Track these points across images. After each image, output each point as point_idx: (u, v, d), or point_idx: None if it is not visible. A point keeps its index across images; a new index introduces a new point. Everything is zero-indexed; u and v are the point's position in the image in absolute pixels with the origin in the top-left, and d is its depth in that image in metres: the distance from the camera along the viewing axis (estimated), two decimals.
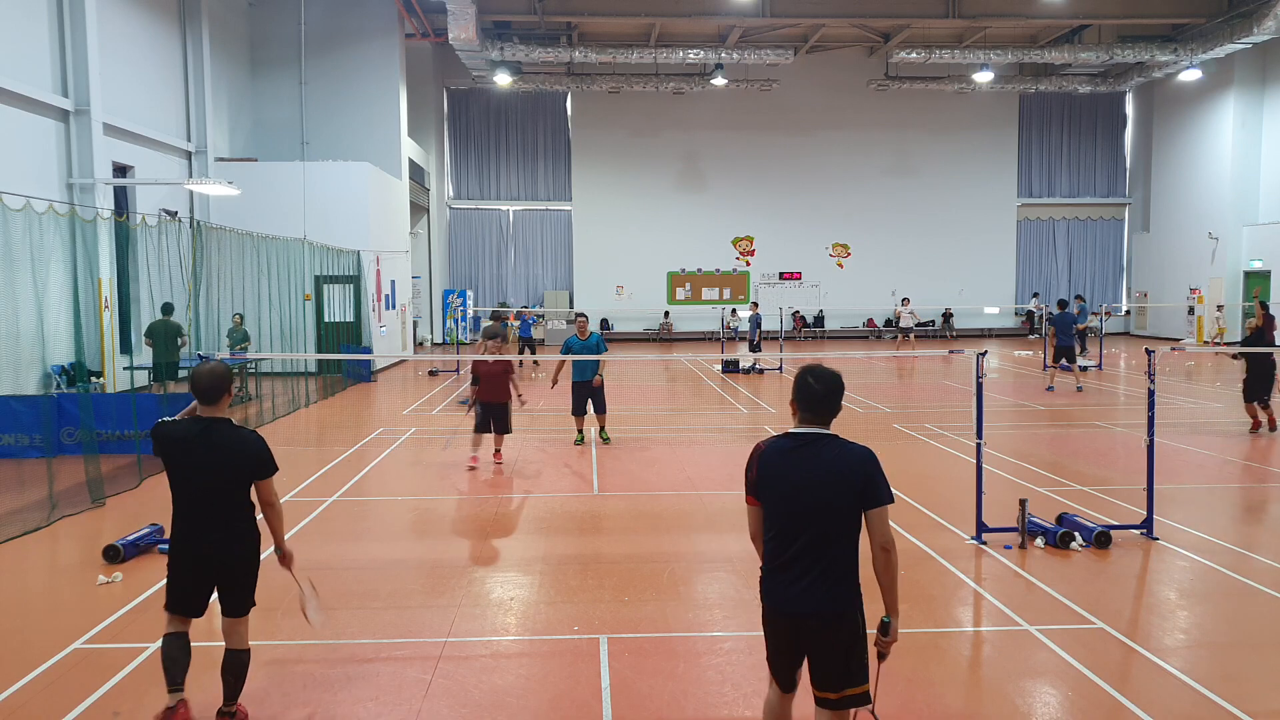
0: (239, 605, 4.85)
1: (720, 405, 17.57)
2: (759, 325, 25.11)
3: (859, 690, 3.73)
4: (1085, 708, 5.08)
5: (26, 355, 11.95)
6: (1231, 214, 29.76)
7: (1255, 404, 13.43)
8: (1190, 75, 29.01)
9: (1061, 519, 8.25)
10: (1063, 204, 35.66)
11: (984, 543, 8.03)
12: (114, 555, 7.59)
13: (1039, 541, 7.98)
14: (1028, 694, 5.31)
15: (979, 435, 8.19)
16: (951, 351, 11.63)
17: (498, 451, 11.50)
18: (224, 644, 4.83)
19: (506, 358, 11.48)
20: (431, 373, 23.12)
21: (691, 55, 27.04)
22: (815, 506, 3.63)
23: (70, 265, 10.73)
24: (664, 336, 33.92)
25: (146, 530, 8.02)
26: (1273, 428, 13.33)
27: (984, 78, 29.65)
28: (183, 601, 4.82)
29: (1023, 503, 8.01)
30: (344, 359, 20.23)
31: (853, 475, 3.62)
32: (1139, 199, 35.17)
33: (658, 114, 33.67)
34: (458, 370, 23.32)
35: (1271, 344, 13.64)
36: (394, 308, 25.20)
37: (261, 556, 4.96)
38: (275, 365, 19.41)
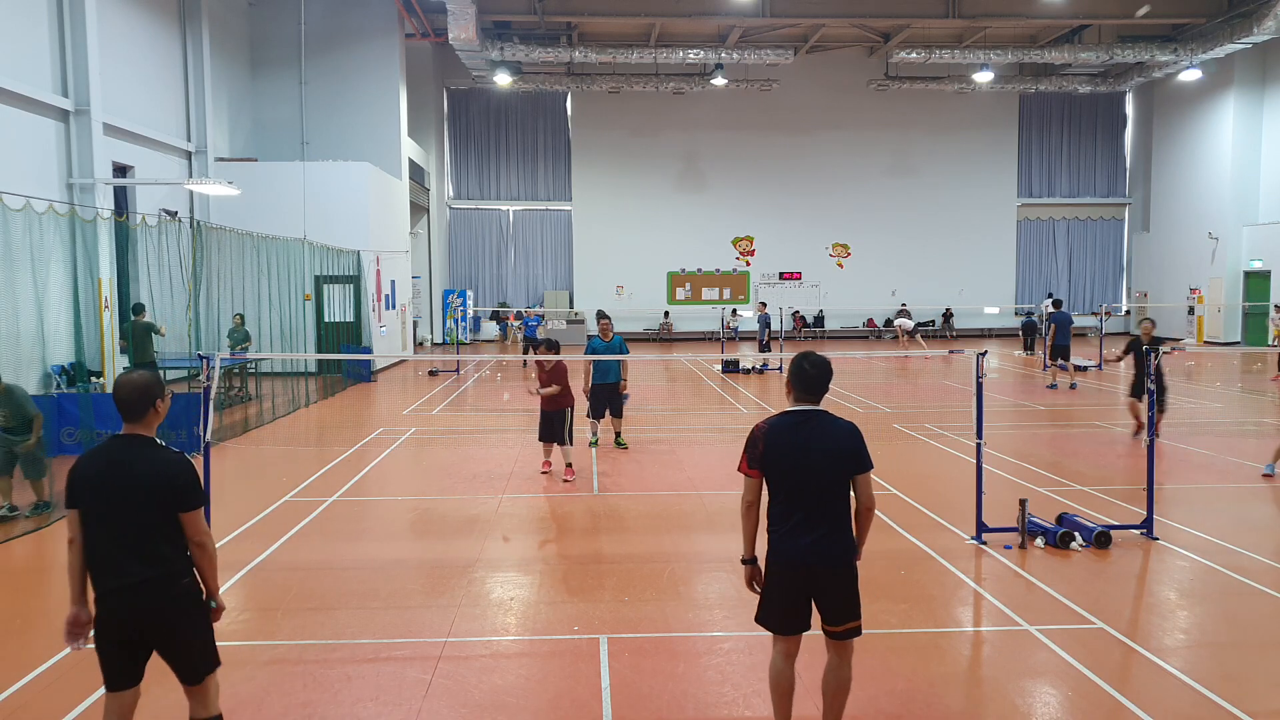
0: (192, 669, 3.99)
1: (720, 405, 17.57)
2: (768, 325, 25.13)
3: (857, 623, 4.46)
4: (1085, 708, 5.08)
5: (26, 355, 11.94)
6: (1231, 214, 29.76)
7: None
8: (1190, 75, 29.02)
9: (1061, 519, 8.25)
10: (1063, 204, 35.67)
11: (984, 543, 8.03)
12: None
13: (1039, 541, 7.97)
14: (1028, 694, 5.31)
15: (979, 435, 8.19)
16: (951, 351, 11.59)
17: (569, 466, 10.73)
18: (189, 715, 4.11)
19: (558, 357, 10.79)
20: (431, 373, 23.11)
21: (691, 55, 27.04)
22: (819, 472, 4.29)
23: (70, 265, 10.74)
24: (664, 336, 33.92)
25: None
26: None
27: (984, 78, 29.65)
28: (117, 675, 3.99)
29: (1023, 503, 8.01)
30: (344, 359, 20.23)
31: (845, 445, 4.31)
32: (1139, 199, 35.18)
33: (658, 114, 33.67)
34: (458, 370, 23.33)
35: None
36: (394, 308, 25.20)
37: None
38: (275, 365, 19.41)
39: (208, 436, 8.14)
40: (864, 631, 6.22)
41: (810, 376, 4.38)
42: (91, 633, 4.07)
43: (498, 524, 8.94)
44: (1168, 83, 31.92)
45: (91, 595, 4.01)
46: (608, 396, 12.32)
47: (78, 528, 3.87)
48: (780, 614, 4.53)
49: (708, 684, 5.41)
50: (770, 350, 24.12)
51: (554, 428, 10.67)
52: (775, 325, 26.64)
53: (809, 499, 4.33)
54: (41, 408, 11.63)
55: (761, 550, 4.65)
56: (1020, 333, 28.56)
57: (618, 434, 12.72)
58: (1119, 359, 14.46)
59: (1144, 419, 12.33)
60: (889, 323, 35.15)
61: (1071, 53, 27.10)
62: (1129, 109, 35.51)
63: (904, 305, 31.83)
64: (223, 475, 10.96)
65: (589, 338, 12.62)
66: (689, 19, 25.50)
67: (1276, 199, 28.73)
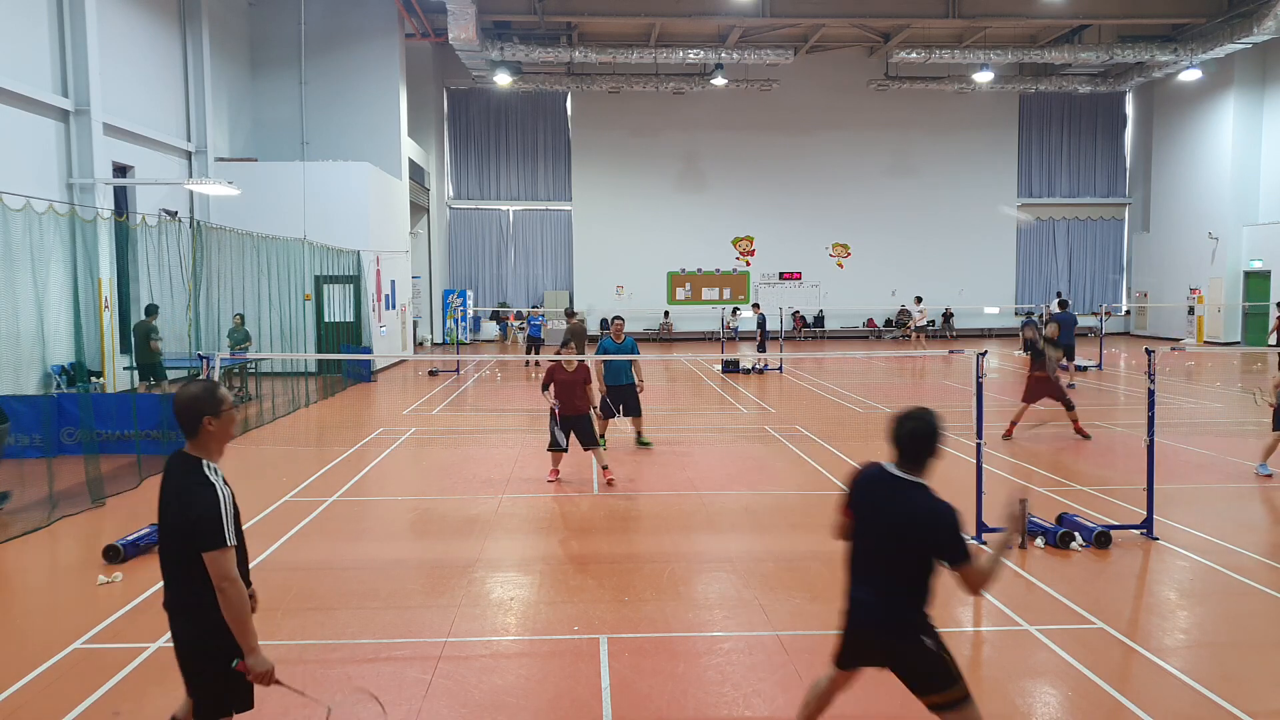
0: (195, 706, 3.68)
1: (720, 405, 17.56)
2: (764, 325, 25.13)
3: (942, 697, 3.99)
4: (1085, 708, 5.08)
5: (26, 355, 11.95)
6: (1231, 214, 29.75)
7: None
8: (1190, 75, 29.02)
9: (1061, 519, 8.25)
10: (1063, 204, 35.66)
11: (984, 543, 8.03)
12: (114, 555, 7.60)
13: (1039, 541, 7.98)
14: (1028, 694, 5.32)
15: (979, 435, 8.19)
16: (951, 351, 11.61)
17: (605, 469, 10.44)
18: None
19: (579, 357, 10.59)
20: (431, 373, 23.11)
21: (691, 55, 27.04)
22: (889, 546, 3.94)
23: (70, 265, 10.73)
24: (664, 336, 33.93)
25: (147, 530, 8.02)
26: None
27: (984, 78, 29.65)
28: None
29: (1022, 503, 7.98)
30: (344, 359, 20.22)
31: (926, 532, 3.88)
32: (1139, 199, 35.17)
33: (658, 114, 33.67)
34: (457, 370, 23.33)
35: None
36: (394, 308, 25.20)
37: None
38: (275, 365, 19.40)
39: None
40: None
41: (901, 437, 4.01)
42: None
43: (498, 524, 8.94)
44: (1168, 83, 31.92)
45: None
46: (622, 397, 12.31)
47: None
48: (838, 647, 4.22)
49: (708, 684, 5.41)
50: (767, 350, 24.09)
51: (582, 433, 10.34)
52: (775, 325, 26.65)
53: (873, 560, 4.02)
54: (41, 408, 11.68)
55: None
56: (1020, 333, 28.53)
57: (639, 433, 12.77)
58: None
59: None
60: (889, 322, 35.14)
61: (1071, 53, 27.10)
62: (1129, 109, 35.50)
63: (920, 299, 31.74)
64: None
65: (602, 336, 12.64)
66: (689, 19, 25.50)
67: (1276, 199, 28.73)
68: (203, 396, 3.60)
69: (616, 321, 12.89)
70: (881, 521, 3.92)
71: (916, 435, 3.96)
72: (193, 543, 3.45)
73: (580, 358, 10.61)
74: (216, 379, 8.08)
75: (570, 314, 18.01)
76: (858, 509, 4.05)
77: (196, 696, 3.65)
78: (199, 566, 3.47)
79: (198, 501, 3.48)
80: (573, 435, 10.35)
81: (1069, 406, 13.08)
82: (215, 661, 3.57)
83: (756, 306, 26.24)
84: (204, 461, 3.61)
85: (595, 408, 10.71)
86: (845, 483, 4.12)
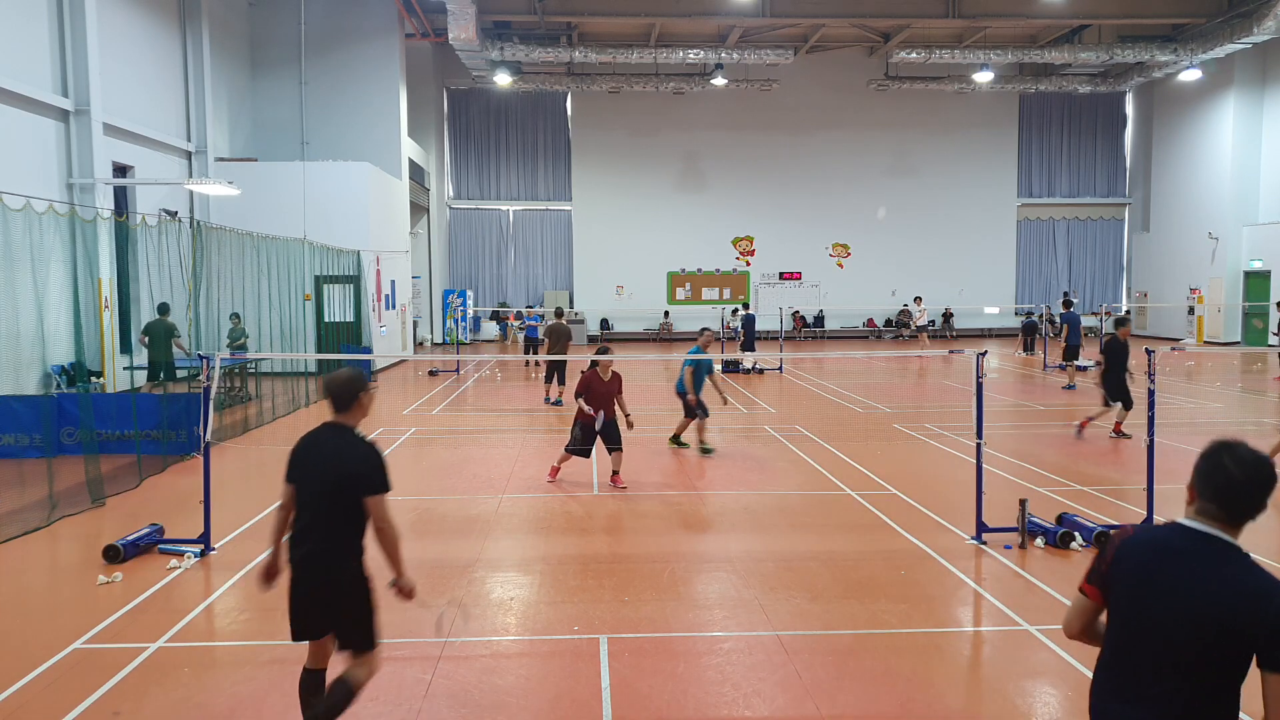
0: (348, 641, 4.31)
1: (720, 405, 17.54)
2: (750, 325, 25.06)
3: None
4: (1085, 708, 5.08)
5: (26, 355, 11.94)
6: (1231, 214, 29.76)
7: None
8: (1190, 75, 29.02)
9: (1061, 519, 8.25)
10: (1063, 204, 35.66)
11: (984, 543, 8.03)
12: (114, 555, 7.59)
13: (1039, 541, 7.98)
14: (1028, 694, 5.32)
15: (979, 435, 8.19)
16: (951, 351, 11.60)
17: (616, 474, 10.36)
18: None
19: (611, 358, 10.52)
20: (431, 373, 23.11)
21: (691, 55, 27.04)
22: (1177, 641, 2.64)
23: (70, 265, 10.73)
24: (664, 336, 33.92)
25: (146, 530, 8.02)
26: None
27: (984, 78, 29.65)
28: (300, 626, 4.34)
29: (1023, 503, 8.01)
30: (344, 359, 20.14)
31: (1237, 617, 2.56)
32: (1139, 199, 35.17)
33: (658, 114, 33.67)
34: (457, 370, 23.33)
35: None
36: (394, 308, 25.20)
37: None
38: (275, 365, 19.39)
39: (208, 436, 8.15)
40: (863, 632, 6.29)
41: (1233, 481, 2.65)
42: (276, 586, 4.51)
43: (498, 524, 8.94)
44: (1168, 83, 31.92)
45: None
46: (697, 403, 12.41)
47: (289, 497, 4.44)
48: None
49: (708, 684, 5.41)
50: (754, 350, 24.01)
51: (609, 434, 10.30)
52: (775, 325, 26.63)
53: (1147, 666, 2.71)
54: (41, 408, 11.68)
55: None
56: (1020, 332, 28.59)
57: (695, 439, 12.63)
58: None
59: None
60: (889, 322, 35.13)
61: (1071, 53, 27.10)
62: (1129, 109, 35.50)
63: (919, 298, 31.71)
64: (223, 475, 10.95)
65: (691, 349, 12.66)
66: (689, 19, 25.50)
67: (1276, 199, 28.72)
68: (358, 378, 4.44)
69: (707, 333, 13.27)
70: (1174, 614, 2.61)
71: (1260, 476, 2.62)
72: (356, 491, 4.18)
73: (609, 357, 10.51)
74: (216, 379, 8.09)
75: (558, 313, 18.03)
76: (1122, 592, 2.77)
77: (359, 631, 4.28)
78: (355, 513, 4.20)
79: (363, 455, 4.23)
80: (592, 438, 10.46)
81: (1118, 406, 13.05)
82: (371, 595, 4.28)
83: (745, 306, 26.17)
84: (355, 428, 4.39)
85: (627, 414, 10.58)
86: (1101, 552, 2.91)
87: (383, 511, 4.26)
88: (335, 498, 4.22)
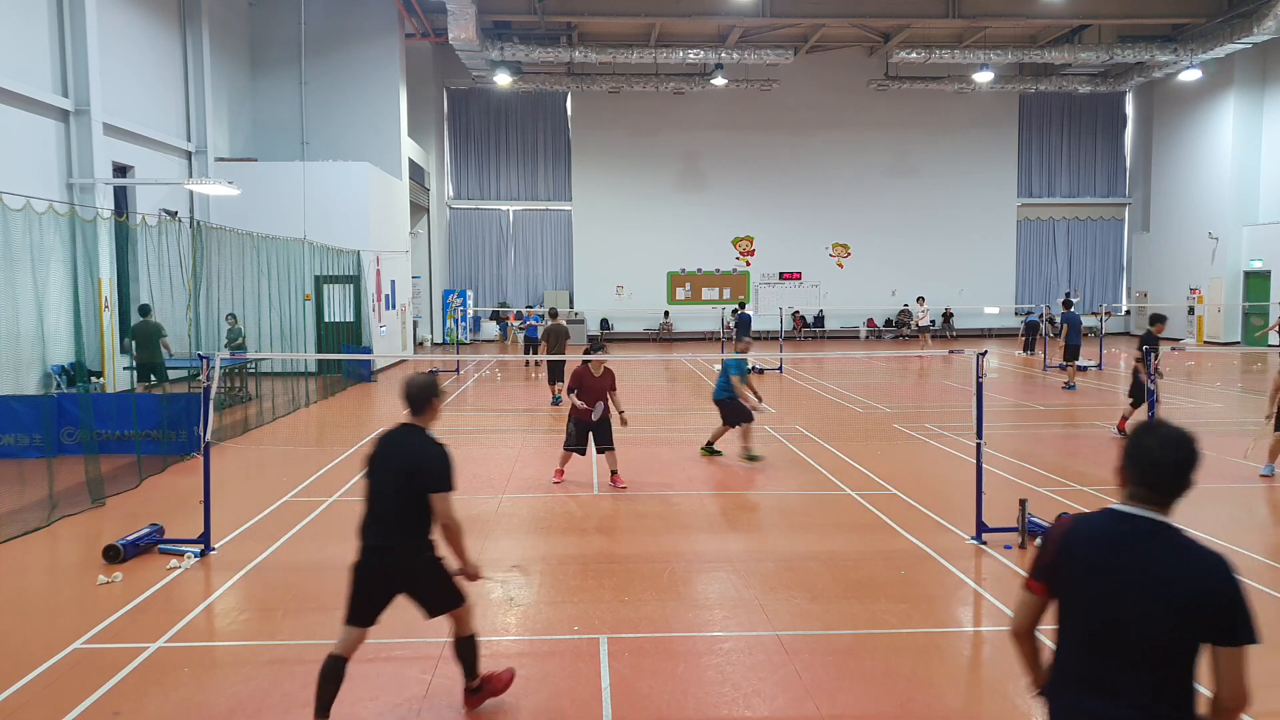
0: (440, 605, 4.86)
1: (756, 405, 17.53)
2: (745, 325, 25.04)
3: None
4: None
5: (26, 355, 11.94)
6: (1231, 214, 29.76)
7: None
8: (1190, 75, 29.02)
9: (1061, 519, 8.23)
10: (1063, 204, 35.67)
11: (984, 543, 8.03)
12: (114, 555, 7.59)
13: (1039, 541, 7.96)
14: (1028, 694, 5.31)
15: (979, 435, 8.19)
16: (951, 351, 11.60)
17: (615, 474, 10.38)
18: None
19: (605, 357, 10.46)
20: (432, 373, 23.06)
21: (691, 55, 27.04)
22: (1138, 623, 2.63)
23: (70, 265, 10.73)
24: (664, 336, 33.92)
25: (146, 530, 8.02)
26: None
27: (984, 78, 29.65)
28: (358, 609, 4.75)
29: (1023, 503, 8.01)
30: (344, 359, 20.22)
31: (1194, 593, 2.57)
32: (1139, 199, 35.18)
33: (658, 114, 33.67)
34: (457, 370, 23.33)
35: None
36: (394, 308, 25.20)
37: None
38: (275, 365, 19.40)
39: (208, 436, 8.15)
40: (863, 632, 6.29)
41: (1157, 461, 2.73)
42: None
43: (498, 524, 8.94)
44: (1168, 83, 31.93)
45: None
46: (729, 409, 11.76)
47: (365, 492, 4.80)
48: None
49: (708, 684, 5.41)
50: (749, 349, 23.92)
51: (600, 434, 10.30)
52: (775, 325, 26.62)
53: (1106, 654, 2.70)
54: (41, 408, 11.68)
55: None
56: (1023, 332, 28.60)
57: (746, 447, 11.81)
58: None
59: None
60: (889, 322, 35.13)
61: (1071, 53, 27.10)
62: (1129, 109, 35.50)
63: (922, 299, 31.76)
64: (223, 475, 10.96)
65: (732, 356, 11.94)
66: (689, 19, 25.50)
67: (1276, 199, 28.73)
68: (432, 384, 4.90)
69: (744, 341, 12.87)
70: (1130, 596, 2.63)
71: (1182, 451, 2.72)
72: (425, 487, 4.60)
73: (603, 357, 10.52)
74: (216, 379, 8.10)
75: (553, 314, 18.04)
76: (1070, 583, 2.79)
77: (446, 597, 4.81)
78: (424, 506, 4.62)
79: (434, 455, 4.67)
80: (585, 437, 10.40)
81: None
82: (443, 567, 4.83)
83: (741, 306, 26.10)
84: (427, 429, 4.82)
85: (620, 411, 10.49)
86: (1043, 546, 2.97)
87: (447, 508, 4.67)
88: (407, 491, 4.62)
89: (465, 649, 4.96)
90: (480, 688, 5.04)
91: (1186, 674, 2.61)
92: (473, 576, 4.88)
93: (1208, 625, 2.54)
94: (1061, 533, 2.87)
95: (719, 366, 12.12)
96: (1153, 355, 9.90)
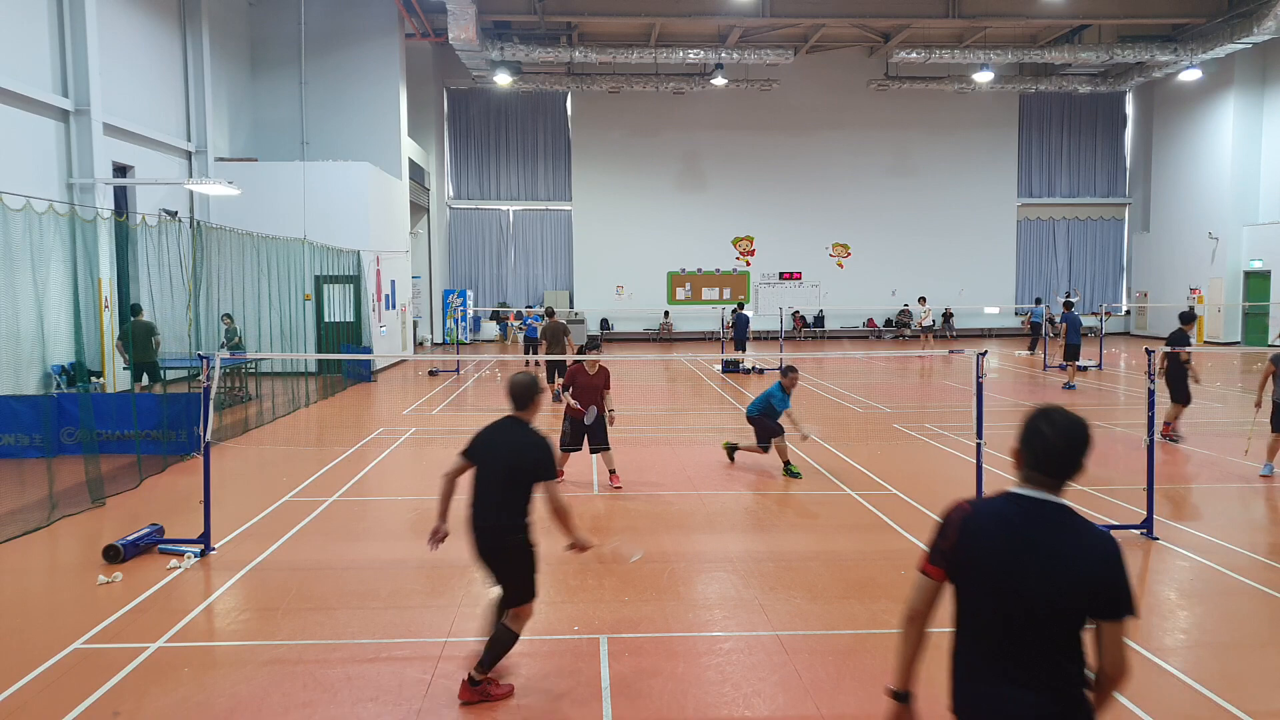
0: (511, 597, 5.15)
1: (720, 405, 17.55)
2: (743, 325, 25.03)
3: None
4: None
5: (26, 355, 11.94)
6: (1231, 214, 29.76)
7: None
8: (1190, 75, 29.02)
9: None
10: (1063, 204, 35.67)
11: None
12: (114, 555, 7.59)
13: (940, 524, 7.94)
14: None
15: (979, 435, 8.19)
16: (951, 351, 11.60)
17: (613, 474, 10.39)
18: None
19: (598, 356, 10.46)
20: (432, 373, 23.12)
21: (691, 55, 27.04)
22: (1035, 601, 2.70)
23: (70, 265, 10.73)
24: (664, 336, 33.92)
25: (146, 530, 8.02)
26: None
27: (984, 78, 29.65)
28: (488, 574, 5.27)
29: None
30: (344, 359, 20.22)
31: (1086, 570, 2.68)
32: (1139, 199, 35.17)
33: (658, 114, 33.67)
34: (457, 370, 23.33)
35: None
36: (394, 308, 25.20)
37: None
38: (275, 365, 19.40)
39: (208, 436, 8.15)
40: (863, 632, 6.28)
41: (1051, 446, 2.78)
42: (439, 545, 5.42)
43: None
44: (1168, 83, 31.93)
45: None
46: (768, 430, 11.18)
47: (460, 466, 5.30)
48: None
49: (708, 684, 5.41)
50: (746, 349, 24.01)
51: (595, 435, 10.28)
52: (775, 325, 26.62)
53: (1015, 637, 2.75)
54: (41, 408, 11.68)
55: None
56: (1030, 331, 28.60)
57: (787, 461, 11.13)
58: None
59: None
60: (889, 322, 35.13)
61: (1071, 53, 27.10)
62: (1129, 109, 35.50)
63: (923, 299, 31.81)
64: (223, 475, 10.96)
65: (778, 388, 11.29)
66: (689, 19, 25.49)
67: (1276, 199, 28.72)
68: (535, 383, 5.28)
69: (791, 374, 11.32)
70: (1029, 576, 2.68)
71: (1075, 435, 2.77)
72: (532, 476, 5.02)
73: (597, 356, 10.52)
74: (216, 379, 8.10)
75: (550, 313, 18.04)
76: (971, 566, 2.82)
77: (520, 589, 5.14)
78: (527, 492, 5.06)
79: (540, 447, 5.07)
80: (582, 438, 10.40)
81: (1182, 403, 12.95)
82: (533, 557, 5.18)
83: (740, 306, 26.11)
84: (530, 423, 5.23)
85: (611, 410, 10.43)
86: (942, 530, 2.98)
87: (555, 493, 5.08)
88: (514, 479, 5.05)
89: (501, 640, 5.15)
90: (481, 683, 5.14)
91: (1080, 649, 2.72)
92: (583, 548, 5.28)
93: (1099, 601, 2.66)
94: (961, 517, 2.90)
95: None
96: (1154, 354, 9.87)
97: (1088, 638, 2.72)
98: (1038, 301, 29.96)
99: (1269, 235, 28.76)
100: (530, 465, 5.03)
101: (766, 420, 11.11)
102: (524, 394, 5.22)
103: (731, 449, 11.80)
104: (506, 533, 5.09)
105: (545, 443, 5.12)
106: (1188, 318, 13.09)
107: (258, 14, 25.10)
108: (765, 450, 11.22)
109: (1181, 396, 12.75)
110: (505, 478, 5.06)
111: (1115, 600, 2.67)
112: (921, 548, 7.93)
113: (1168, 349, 11.37)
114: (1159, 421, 12.78)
